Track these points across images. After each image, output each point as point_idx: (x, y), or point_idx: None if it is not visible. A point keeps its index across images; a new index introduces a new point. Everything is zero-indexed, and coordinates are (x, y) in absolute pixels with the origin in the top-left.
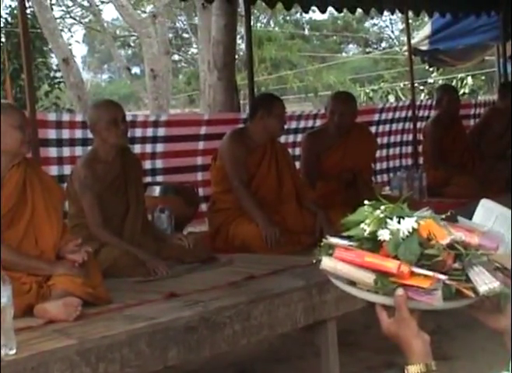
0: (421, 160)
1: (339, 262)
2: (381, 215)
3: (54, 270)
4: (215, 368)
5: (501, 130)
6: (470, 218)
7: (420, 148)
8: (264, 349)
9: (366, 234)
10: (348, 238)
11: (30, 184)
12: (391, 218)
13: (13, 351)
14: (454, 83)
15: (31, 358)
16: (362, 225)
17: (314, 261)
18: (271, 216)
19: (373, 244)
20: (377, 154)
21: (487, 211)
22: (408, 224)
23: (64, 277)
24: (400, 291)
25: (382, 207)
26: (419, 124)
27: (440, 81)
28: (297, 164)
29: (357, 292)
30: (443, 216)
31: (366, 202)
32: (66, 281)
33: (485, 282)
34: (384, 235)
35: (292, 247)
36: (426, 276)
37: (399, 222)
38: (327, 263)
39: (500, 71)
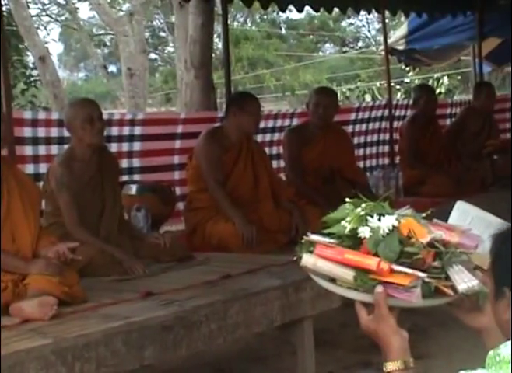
0: (397, 159)
1: (320, 259)
2: (362, 213)
3: (29, 268)
4: (191, 367)
5: (477, 130)
6: (446, 217)
7: (397, 148)
8: (240, 348)
9: (346, 231)
10: (329, 235)
11: (6, 182)
12: (372, 216)
13: None
14: (430, 83)
15: (7, 357)
16: (343, 223)
17: (294, 258)
18: (248, 215)
19: (353, 241)
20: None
21: (462, 213)
22: (388, 222)
23: (39, 276)
24: (379, 288)
25: (363, 205)
26: (395, 124)
27: (417, 81)
28: (274, 163)
29: (337, 289)
30: (424, 214)
31: (347, 200)
32: (42, 280)
33: (464, 280)
34: (364, 232)
35: (269, 246)
36: (405, 273)
37: (380, 220)
38: (307, 260)
39: (476, 70)
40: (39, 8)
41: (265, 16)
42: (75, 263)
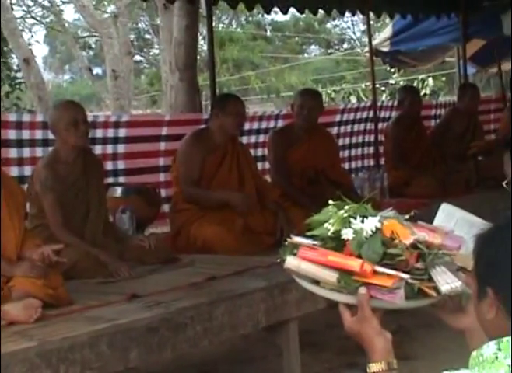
0: (382, 161)
1: (303, 261)
2: (345, 215)
3: (14, 270)
4: (177, 369)
5: (461, 131)
6: (431, 219)
7: (381, 149)
8: (226, 350)
9: (330, 233)
10: (313, 237)
11: None
12: (355, 218)
13: None
14: (415, 84)
15: None
16: (326, 225)
17: (278, 260)
18: (233, 216)
19: (336, 243)
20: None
21: (447, 215)
22: (371, 224)
23: (24, 278)
24: (362, 290)
25: (346, 207)
26: (380, 125)
27: (401, 83)
28: (259, 165)
29: (320, 291)
30: (407, 216)
31: (330, 201)
32: (26, 283)
33: (447, 281)
34: (347, 234)
35: (254, 247)
36: (388, 275)
37: (363, 222)
38: (291, 262)
39: (460, 72)
40: (23, 11)
41: (250, 18)
42: (60, 265)
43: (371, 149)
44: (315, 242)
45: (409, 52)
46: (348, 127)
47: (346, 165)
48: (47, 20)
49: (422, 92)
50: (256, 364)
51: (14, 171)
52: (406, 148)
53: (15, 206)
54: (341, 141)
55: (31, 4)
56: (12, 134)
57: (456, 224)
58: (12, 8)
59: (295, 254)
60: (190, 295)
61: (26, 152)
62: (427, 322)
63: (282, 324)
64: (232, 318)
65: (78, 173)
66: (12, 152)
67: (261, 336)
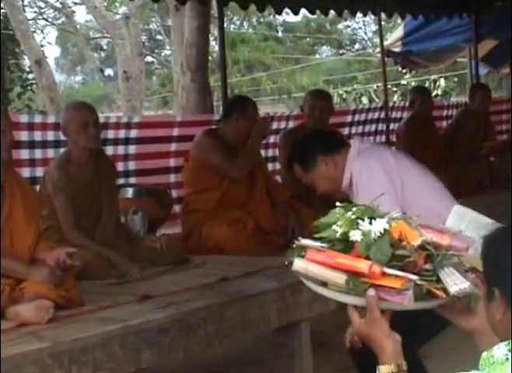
0: None
1: (311, 263)
2: (353, 217)
3: (30, 275)
4: (188, 370)
5: (473, 132)
6: None
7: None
8: (237, 351)
9: (337, 235)
10: (320, 239)
11: (9, 188)
12: (363, 219)
13: None
14: (426, 85)
15: (3, 361)
16: (334, 227)
17: (286, 263)
18: (244, 217)
19: (344, 245)
20: None
21: (459, 217)
22: (379, 226)
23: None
24: (371, 292)
25: (354, 209)
26: (391, 126)
27: (413, 83)
28: (270, 165)
29: (329, 293)
30: (415, 217)
31: (337, 203)
32: (38, 284)
33: (455, 283)
34: (355, 235)
35: (265, 248)
36: (397, 276)
37: (371, 223)
38: (299, 264)
39: (472, 72)
40: (35, 12)
41: (262, 19)
42: (73, 268)
43: None
44: (323, 245)
45: (421, 52)
46: (360, 128)
47: None
48: (59, 22)
49: (434, 93)
50: (267, 365)
51: (26, 172)
52: (418, 148)
53: (31, 210)
54: None
55: (43, 5)
56: (23, 136)
57: (468, 226)
58: (24, 10)
59: (303, 256)
60: (201, 296)
61: (38, 153)
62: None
63: (294, 325)
64: (243, 319)
65: (90, 174)
66: (24, 153)
67: (273, 337)
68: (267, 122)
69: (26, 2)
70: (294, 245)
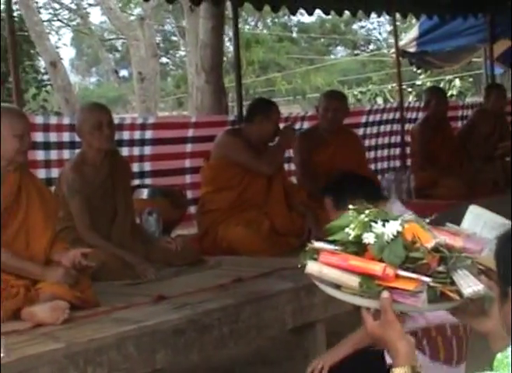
0: (409, 162)
1: (324, 266)
2: (366, 219)
3: (46, 275)
4: (203, 371)
5: (488, 132)
6: (458, 220)
7: (408, 150)
8: (252, 351)
9: (350, 238)
10: (333, 242)
11: (26, 190)
12: (376, 222)
13: (1, 355)
14: (441, 85)
15: (19, 362)
16: (346, 229)
17: (300, 265)
18: (259, 217)
19: (357, 247)
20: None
21: (475, 217)
22: (392, 228)
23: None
24: (385, 294)
25: (366, 211)
26: (407, 126)
27: (428, 83)
28: (284, 166)
29: (342, 295)
30: (428, 220)
31: (351, 206)
32: (54, 285)
33: (469, 285)
34: (368, 238)
35: (280, 249)
36: (410, 278)
37: (384, 226)
38: (312, 267)
39: (487, 72)
40: (50, 14)
41: (276, 20)
42: (89, 268)
43: (398, 150)
44: (336, 247)
45: (436, 53)
46: (375, 128)
47: (372, 167)
48: (74, 23)
49: (449, 93)
50: (282, 366)
51: (41, 173)
52: (433, 149)
53: (48, 211)
54: (367, 142)
55: (58, 7)
56: (39, 137)
57: (484, 226)
58: (39, 12)
59: (316, 259)
60: (216, 297)
61: (54, 155)
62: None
63: (309, 326)
64: (258, 320)
65: (105, 175)
66: (40, 155)
67: (288, 337)
68: (292, 123)
69: (41, 4)
70: (307, 248)
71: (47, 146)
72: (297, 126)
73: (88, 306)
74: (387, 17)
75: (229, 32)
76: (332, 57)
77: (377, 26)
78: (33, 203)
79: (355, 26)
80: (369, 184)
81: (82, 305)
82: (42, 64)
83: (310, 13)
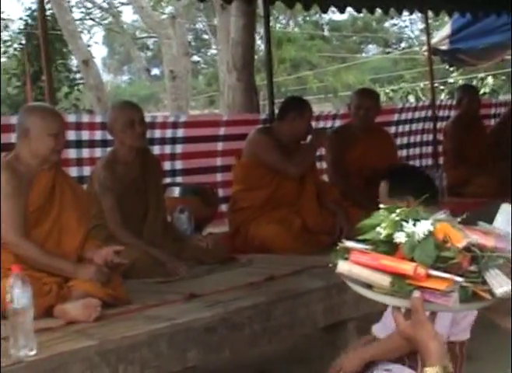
0: (441, 160)
1: (355, 265)
2: (397, 218)
3: (78, 273)
4: (235, 369)
5: None
6: (490, 219)
7: (440, 148)
8: (284, 349)
9: (381, 237)
10: (364, 241)
11: (60, 189)
12: (407, 221)
13: (33, 352)
14: (474, 83)
15: (51, 359)
16: (377, 229)
17: (330, 265)
18: (291, 215)
19: (388, 247)
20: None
21: (508, 216)
22: (423, 227)
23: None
24: (417, 293)
25: (397, 211)
26: (439, 124)
27: (461, 81)
28: (317, 164)
29: (373, 295)
30: (459, 219)
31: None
32: (86, 282)
33: (501, 284)
34: (400, 237)
35: (312, 247)
36: (442, 278)
37: (415, 225)
38: (343, 266)
39: None
40: (82, 12)
41: (308, 18)
42: (121, 266)
43: (429, 148)
44: (367, 247)
45: (468, 50)
46: (407, 127)
47: None
48: (106, 22)
49: (482, 91)
50: (313, 364)
51: (73, 171)
52: (465, 147)
53: (81, 209)
54: (399, 141)
55: (90, 6)
56: (71, 135)
57: None
58: (72, 11)
59: (346, 258)
60: (248, 295)
61: (86, 153)
62: (488, 322)
63: (341, 324)
64: (290, 318)
65: (137, 173)
66: (72, 153)
67: (320, 336)
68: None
69: (73, 3)
70: (338, 248)
71: (79, 144)
72: (329, 124)
73: (120, 304)
74: (419, 15)
75: (260, 30)
76: (364, 55)
77: (409, 23)
78: (67, 201)
79: (387, 24)
80: (428, 185)
81: (114, 302)
82: (74, 62)
83: (342, 11)
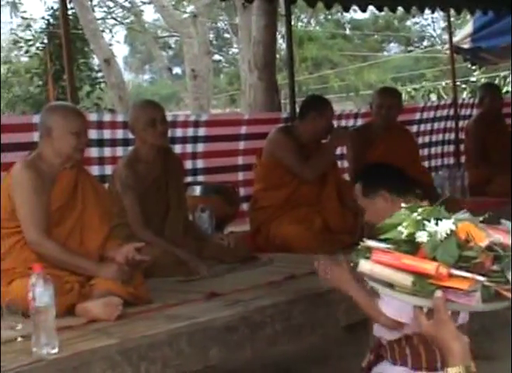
0: (463, 159)
1: (377, 264)
2: (419, 218)
3: (99, 272)
4: (255, 368)
5: None
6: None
7: (462, 147)
8: (304, 349)
9: (403, 236)
10: (386, 240)
11: (82, 188)
12: (429, 220)
13: (55, 350)
14: (496, 81)
15: (73, 357)
16: (399, 228)
17: (352, 264)
18: (312, 215)
19: (410, 246)
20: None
21: None
22: (445, 226)
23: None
24: (439, 293)
25: (419, 210)
26: (461, 123)
27: (483, 80)
28: (338, 163)
29: (395, 294)
30: (481, 218)
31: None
32: (107, 281)
33: None
34: (421, 236)
35: (333, 246)
36: (464, 278)
37: (437, 224)
38: (364, 265)
39: None
40: (104, 12)
41: (329, 16)
42: (143, 263)
43: (452, 147)
44: (388, 246)
45: (491, 49)
46: (429, 125)
47: (426, 164)
48: (128, 21)
49: (504, 90)
50: (335, 363)
51: (95, 170)
52: (487, 145)
53: (104, 208)
54: (421, 140)
55: (112, 5)
56: (93, 134)
57: None
58: (93, 10)
59: (368, 258)
60: (269, 294)
61: (107, 152)
62: (507, 322)
63: (362, 324)
64: (311, 318)
65: (158, 172)
66: (94, 152)
67: (341, 335)
68: (346, 129)
69: (95, 2)
70: (359, 247)
71: (100, 143)
72: (350, 123)
73: (141, 302)
74: (441, 13)
75: (281, 29)
76: (386, 53)
77: (431, 22)
78: (89, 200)
79: (408, 23)
80: (400, 176)
81: (135, 301)
82: (96, 61)
83: (364, 10)
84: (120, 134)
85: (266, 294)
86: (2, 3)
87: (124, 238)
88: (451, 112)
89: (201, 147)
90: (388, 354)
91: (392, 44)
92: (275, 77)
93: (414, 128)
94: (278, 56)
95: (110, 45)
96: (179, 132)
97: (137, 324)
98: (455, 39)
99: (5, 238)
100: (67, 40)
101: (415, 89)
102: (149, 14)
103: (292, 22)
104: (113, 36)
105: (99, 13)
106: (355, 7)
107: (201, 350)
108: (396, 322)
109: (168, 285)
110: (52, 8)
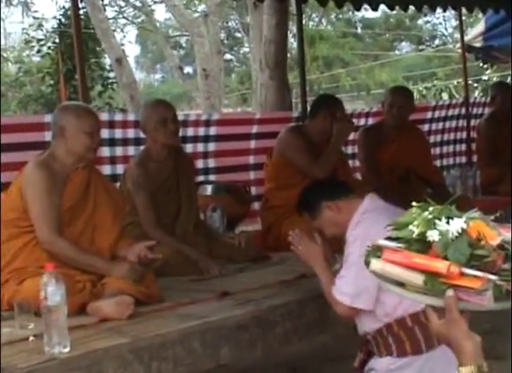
0: (475, 158)
1: (388, 263)
2: (430, 216)
3: (111, 271)
4: (267, 367)
5: None
6: None
7: (474, 146)
8: (315, 347)
9: (414, 235)
10: (397, 239)
11: (95, 187)
12: (440, 219)
13: (67, 349)
14: (508, 80)
15: (85, 356)
16: (410, 227)
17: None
18: None
19: (421, 245)
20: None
21: None
22: (457, 225)
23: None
24: (450, 292)
25: (430, 209)
26: (472, 122)
27: (495, 79)
28: (349, 163)
29: (406, 293)
30: (493, 217)
31: (414, 203)
32: (119, 280)
33: None
34: (433, 235)
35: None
36: (476, 276)
37: (448, 223)
38: (375, 264)
39: None
40: (115, 11)
41: (341, 16)
42: (155, 261)
43: (463, 146)
44: (399, 245)
45: (502, 47)
46: (440, 124)
47: (438, 163)
48: (139, 20)
49: None
50: (345, 362)
51: (107, 169)
52: (499, 144)
53: (116, 208)
54: (432, 139)
55: (123, 4)
56: (104, 133)
57: None
58: (105, 9)
59: (379, 257)
60: (280, 293)
61: (119, 151)
62: None
63: None
64: (322, 316)
65: (170, 171)
66: (105, 151)
67: (352, 334)
68: (349, 120)
69: (106, 1)
70: (370, 246)
71: (112, 142)
72: (362, 122)
73: (153, 301)
74: (453, 12)
75: (293, 28)
76: (397, 52)
77: (443, 20)
78: (101, 200)
79: (420, 21)
80: (331, 182)
81: (147, 300)
82: (107, 61)
83: (375, 9)
84: (131, 133)
85: (277, 293)
86: (14, 3)
87: (135, 237)
88: (463, 111)
89: (212, 146)
90: (375, 348)
91: (403, 43)
92: (287, 76)
93: (425, 127)
94: (289, 55)
95: (122, 45)
96: (190, 131)
97: (149, 323)
98: (467, 37)
99: (17, 237)
100: (78, 39)
101: (426, 88)
102: (160, 13)
103: (304, 21)
104: (124, 36)
105: (110, 13)
106: (366, 6)
107: (213, 349)
108: (350, 309)
109: (179, 284)
110: (64, 7)
